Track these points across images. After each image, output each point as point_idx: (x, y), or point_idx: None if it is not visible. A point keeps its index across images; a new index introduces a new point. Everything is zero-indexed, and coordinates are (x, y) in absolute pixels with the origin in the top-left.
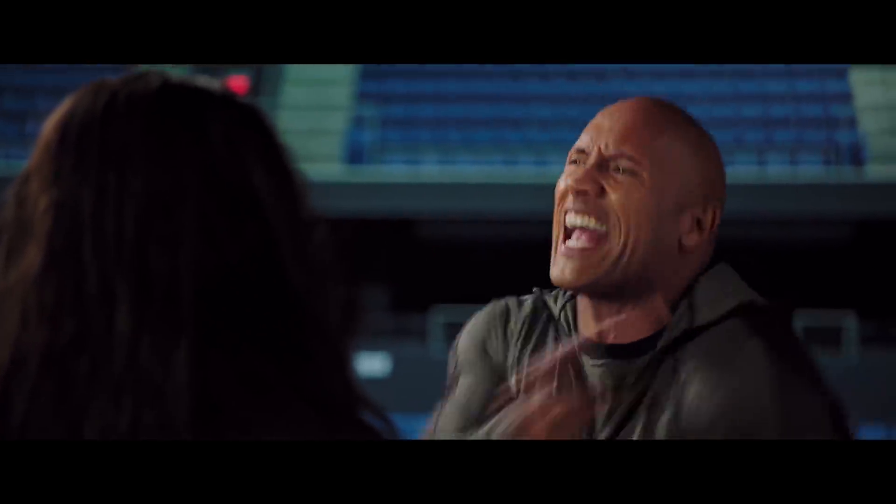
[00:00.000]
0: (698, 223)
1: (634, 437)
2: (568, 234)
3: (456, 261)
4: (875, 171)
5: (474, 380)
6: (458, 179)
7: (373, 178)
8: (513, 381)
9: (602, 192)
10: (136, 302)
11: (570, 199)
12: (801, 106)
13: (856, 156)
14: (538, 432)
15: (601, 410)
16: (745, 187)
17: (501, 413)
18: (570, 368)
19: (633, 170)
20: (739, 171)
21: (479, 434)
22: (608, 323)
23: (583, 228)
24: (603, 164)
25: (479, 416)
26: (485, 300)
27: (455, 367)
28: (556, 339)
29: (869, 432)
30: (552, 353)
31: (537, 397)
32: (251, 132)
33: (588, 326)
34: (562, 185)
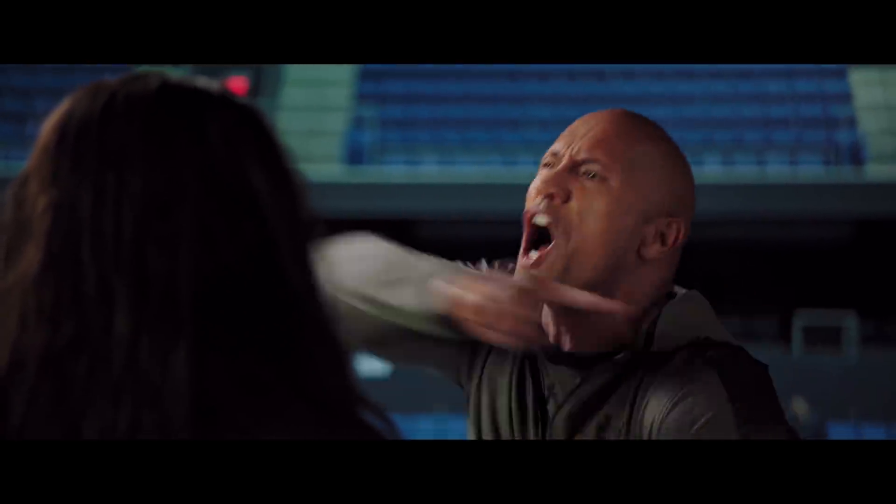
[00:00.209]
0: (662, 236)
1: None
2: (529, 240)
3: (455, 261)
4: (875, 171)
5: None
6: (457, 180)
7: (372, 178)
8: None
9: (568, 197)
10: (134, 303)
11: (536, 201)
12: (800, 106)
13: (855, 156)
14: (468, 297)
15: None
16: (745, 187)
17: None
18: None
19: (602, 175)
20: (740, 171)
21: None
22: (566, 330)
23: (540, 231)
24: (574, 168)
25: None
26: None
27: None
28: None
29: (869, 432)
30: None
31: (487, 276)
32: (250, 133)
33: (549, 330)
34: (532, 186)
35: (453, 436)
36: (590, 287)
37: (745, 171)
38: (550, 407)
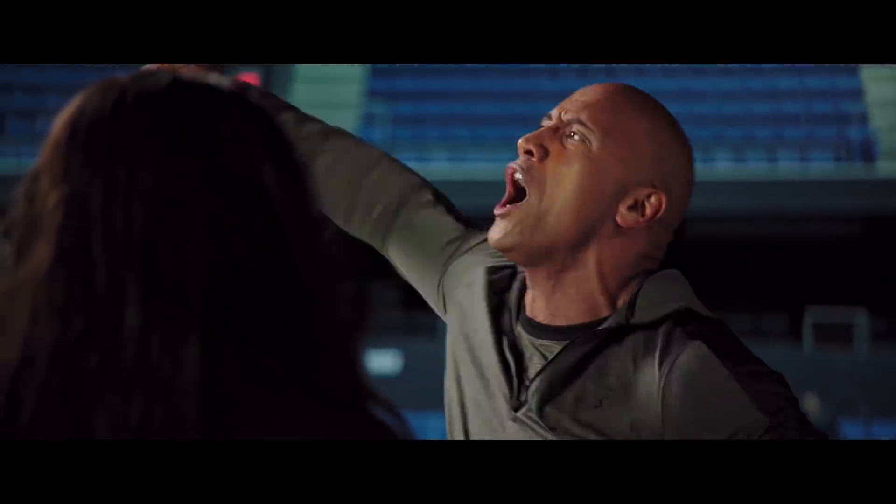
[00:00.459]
0: (641, 207)
1: (563, 412)
2: (509, 193)
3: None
4: (886, 168)
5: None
6: (467, 177)
7: None
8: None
9: (546, 155)
10: (145, 298)
11: (519, 157)
12: (811, 102)
13: (867, 152)
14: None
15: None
16: (756, 184)
17: None
18: None
19: (584, 137)
20: (751, 167)
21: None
22: (542, 301)
23: (519, 188)
24: (559, 129)
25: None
26: None
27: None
28: (508, 310)
29: (880, 429)
30: None
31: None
32: (260, 129)
33: (528, 303)
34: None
35: None
36: (561, 247)
37: (756, 167)
38: (529, 373)
